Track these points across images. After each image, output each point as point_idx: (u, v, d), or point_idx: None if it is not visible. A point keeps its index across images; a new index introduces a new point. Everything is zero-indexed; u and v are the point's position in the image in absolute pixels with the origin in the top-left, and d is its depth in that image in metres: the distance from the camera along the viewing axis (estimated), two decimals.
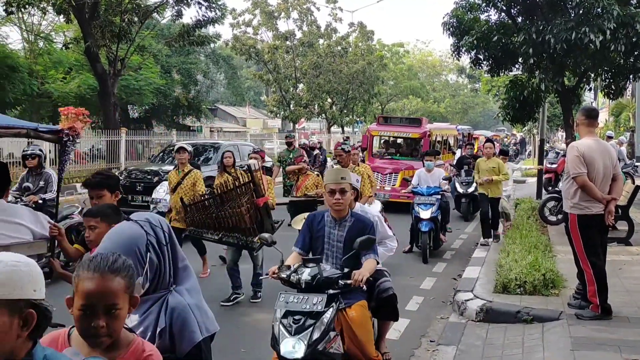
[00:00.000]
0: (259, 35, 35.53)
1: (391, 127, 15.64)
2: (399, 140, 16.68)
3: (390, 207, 10.99)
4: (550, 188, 13.98)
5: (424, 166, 9.56)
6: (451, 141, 19.10)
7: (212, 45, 30.88)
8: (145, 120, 31.17)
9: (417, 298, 6.68)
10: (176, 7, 21.18)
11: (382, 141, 17.00)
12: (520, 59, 12.47)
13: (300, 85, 36.72)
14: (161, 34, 27.47)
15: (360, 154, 10.79)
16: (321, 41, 36.54)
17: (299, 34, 35.66)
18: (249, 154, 9.63)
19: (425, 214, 8.57)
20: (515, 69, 14.01)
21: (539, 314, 5.49)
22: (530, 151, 36.25)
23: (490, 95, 43.97)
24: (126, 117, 28.17)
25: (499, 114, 15.47)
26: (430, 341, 5.34)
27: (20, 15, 22.35)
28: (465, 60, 18.03)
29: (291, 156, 11.21)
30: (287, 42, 35.12)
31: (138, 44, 22.04)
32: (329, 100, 36.79)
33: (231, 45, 33.91)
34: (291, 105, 35.38)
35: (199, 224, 6.11)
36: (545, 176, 14.88)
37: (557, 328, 5.15)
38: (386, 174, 13.88)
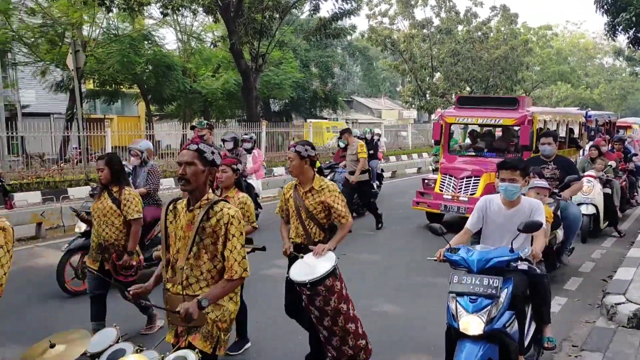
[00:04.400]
0: (395, 25, 35.26)
1: (474, 110, 10.46)
2: (490, 130, 11.78)
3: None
4: None
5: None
6: (575, 130, 12.74)
7: (348, 37, 31.27)
8: (285, 113, 32.52)
9: (559, 299, 6.17)
10: (314, 2, 21.72)
11: (466, 131, 12.95)
12: None
13: (437, 74, 35.82)
14: (300, 28, 28.39)
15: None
16: (460, 27, 35.29)
17: (436, 22, 34.78)
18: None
19: (469, 324, 3.50)
20: None
21: None
22: None
23: None
24: (267, 111, 29.60)
25: None
26: (573, 346, 4.92)
27: (175, 17, 24.35)
28: (623, 40, 16.17)
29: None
30: (424, 31, 34.41)
31: (278, 40, 22.99)
32: (467, 88, 35.42)
33: (367, 37, 34.02)
34: (427, 95, 34.67)
35: None
36: None
37: None
38: (462, 179, 9.66)
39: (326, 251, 3.96)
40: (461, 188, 9.62)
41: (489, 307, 3.45)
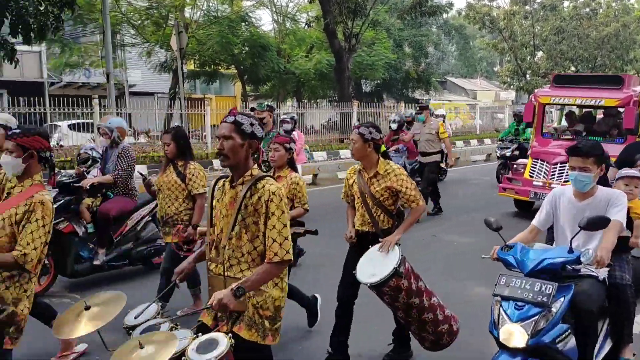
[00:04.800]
0: (494, 1, 33.71)
1: (572, 90, 9.50)
2: (590, 111, 10.98)
3: None
4: None
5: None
6: None
7: (444, 15, 30.31)
8: (376, 94, 32.25)
9: None
10: None
11: (563, 112, 12.14)
12: None
13: (539, 53, 33.90)
14: (394, 7, 27.90)
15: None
16: (566, 4, 33.10)
17: None
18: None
19: (510, 335, 3.08)
20: None
21: None
22: None
23: None
24: (358, 91, 29.51)
25: None
26: None
27: None
28: None
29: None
30: (526, 7, 32.60)
31: (372, 19, 22.77)
32: (572, 68, 33.25)
33: (464, 14, 32.76)
34: (527, 75, 32.95)
35: None
36: None
37: None
38: (555, 164, 8.95)
39: (392, 246, 3.74)
40: (554, 174, 8.88)
41: (537, 316, 2.97)
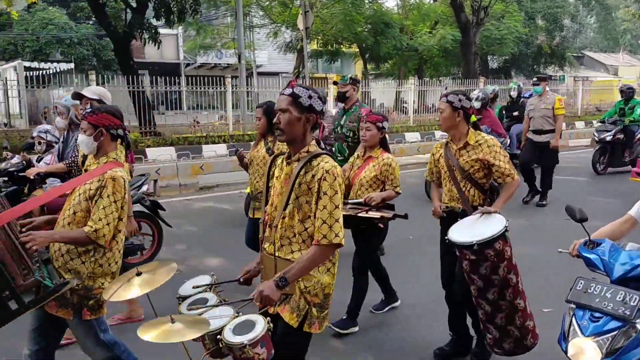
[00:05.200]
0: None
1: None
2: None
3: None
4: None
5: None
6: None
7: None
8: (504, 70, 30.67)
9: None
10: None
11: None
12: None
13: None
14: None
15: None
16: None
17: None
18: None
19: (580, 350, 2.58)
20: None
21: None
22: None
23: None
24: (485, 67, 28.23)
25: None
26: None
27: None
28: None
29: None
30: None
31: None
32: None
33: None
34: None
35: None
36: None
37: None
38: None
39: (492, 212, 3.37)
40: None
41: (616, 332, 2.41)
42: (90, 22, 24.07)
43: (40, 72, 18.32)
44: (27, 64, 19.81)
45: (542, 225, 7.45)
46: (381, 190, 4.17)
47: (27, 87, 15.28)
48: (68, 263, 2.83)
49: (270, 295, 2.34)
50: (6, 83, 15.05)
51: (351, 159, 4.49)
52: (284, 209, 2.51)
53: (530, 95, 10.47)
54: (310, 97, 2.47)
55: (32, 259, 2.62)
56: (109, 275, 2.92)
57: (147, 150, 12.16)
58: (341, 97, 5.78)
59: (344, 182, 2.53)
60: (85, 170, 3.05)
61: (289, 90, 2.49)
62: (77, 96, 4.36)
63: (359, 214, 3.97)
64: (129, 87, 13.76)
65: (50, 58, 22.18)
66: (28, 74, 17.40)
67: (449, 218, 3.67)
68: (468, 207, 3.59)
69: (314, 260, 2.43)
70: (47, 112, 14.47)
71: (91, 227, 2.75)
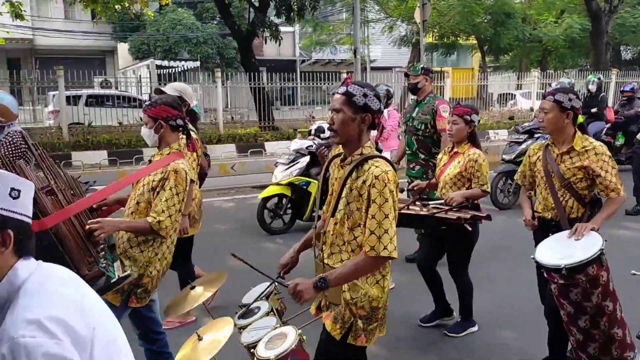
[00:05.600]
0: None
1: None
2: None
3: None
4: None
5: None
6: None
7: None
8: (638, 62, 28.11)
9: None
10: None
11: None
12: None
13: None
14: None
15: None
16: None
17: None
18: None
19: None
20: None
21: None
22: None
23: None
24: (617, 58, 26.07)
25: None
26: None
27: None
28: None
29: None
30: None
31: None
32: None
33: None
34: None
35: None
36: None
37: None
38: None
39: (589, 230, 2.97)
40: None
41: None
42: (215, 22, 25.47)
43: (169, 70, 19.73)
44: (158, 62, 21.43)
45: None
46: (467, 189, 3.86)
47: (159, 84, 16.52)
48: (127, 251, 2.89)
49: (303, 291, 2.23)
50: (140, 80, 16.37)
51: (439, 155, 4.24)
52: (332, 215, 2.40)
53: (632, 90, 9.52)
54: (365, 95, 2.31)
55: (97, 246, 2.64)
56: (160, 263, 2.96)
57: (266, 144, 12.66)
58: (412, 89, 5.37)
59: (397, 189, 2.33)
60: (150, 162, 3.11)
61: (342, 89, 2.35)
62: (159, 92, 4.33)
63: (437, 214, 3.65)
64: (250, 84, 14.41)
65: (179, 57, 23.79)
66: (159, 72, 18.82)
67: (542, 229, 3.34)
68: (564, 220, 3.23)
69: (359, 268, 2.27)
70: None
71: (154, 217, 2.80)
